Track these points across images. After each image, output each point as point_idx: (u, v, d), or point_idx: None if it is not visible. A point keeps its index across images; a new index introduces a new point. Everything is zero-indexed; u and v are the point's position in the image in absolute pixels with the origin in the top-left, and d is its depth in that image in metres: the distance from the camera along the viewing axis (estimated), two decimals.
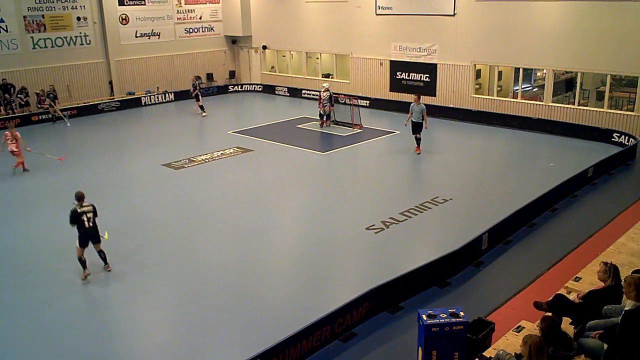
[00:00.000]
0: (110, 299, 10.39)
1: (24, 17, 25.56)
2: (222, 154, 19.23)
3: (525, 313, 8.25)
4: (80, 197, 10.55)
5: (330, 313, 8.53)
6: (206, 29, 32.22)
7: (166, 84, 30.48)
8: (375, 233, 12.50)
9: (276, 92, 31.09)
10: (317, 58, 30.27)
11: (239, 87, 32.52)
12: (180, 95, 29.71)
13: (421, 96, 18.94)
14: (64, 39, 26.96)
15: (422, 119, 18.15)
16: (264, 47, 31.91)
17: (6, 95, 24.94)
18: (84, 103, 27.09)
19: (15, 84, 25.40)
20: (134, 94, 28.95)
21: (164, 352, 8.71)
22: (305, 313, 9.03)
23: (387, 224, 12.95)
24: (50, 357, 8.62)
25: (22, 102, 25.19)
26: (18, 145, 17.26)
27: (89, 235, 10.55)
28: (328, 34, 28.60)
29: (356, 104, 23.37)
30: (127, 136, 23.20)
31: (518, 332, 7.35)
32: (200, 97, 25.43)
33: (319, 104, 22.91)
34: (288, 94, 30.42)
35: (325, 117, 22.88)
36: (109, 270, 10.95)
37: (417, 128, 18.35)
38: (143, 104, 28.77)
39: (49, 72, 26.57)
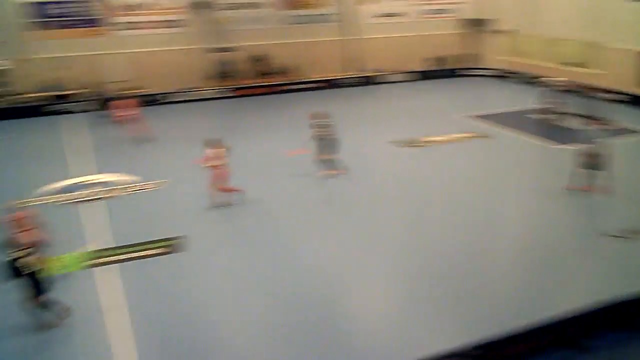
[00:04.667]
0: (331, 271, 10.81)
1: None
2: (450, 137, 19.02)
3: None
4: None
5: (560, 320, 7.93)
6: (447, 11, 31.83)
7: (401, 64, 30.85)
8: (617, 241, 11.23)
9: (512, 78, 29.59)
10: (565, 45, 27.89)
11: (475, 70, 31.67)
12: (414, 76, 30.26)
13: None
14: (311, 17, 28.74)
15: None
16: (505, 31, 30.41)
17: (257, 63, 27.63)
18: (324, 77, 28.74)
19: (266, 56, 27.81)
20: (370, 72, 29.86)
21: (374, 325, 8.92)
22: (525, 313, 8.57)
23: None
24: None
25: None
26: None
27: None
28: (579, 19, 26.21)
29: (603, 97, 21.18)
30: (360, 110, 24.13)
31: None
32: None
33: (547, 100, 20.88)
34: (526, 81, 28.68)
35: (556, 115, 20.70)
36: None
37: None
38: (377, 82, 29.63)
39: (294, 47, 28.65)
